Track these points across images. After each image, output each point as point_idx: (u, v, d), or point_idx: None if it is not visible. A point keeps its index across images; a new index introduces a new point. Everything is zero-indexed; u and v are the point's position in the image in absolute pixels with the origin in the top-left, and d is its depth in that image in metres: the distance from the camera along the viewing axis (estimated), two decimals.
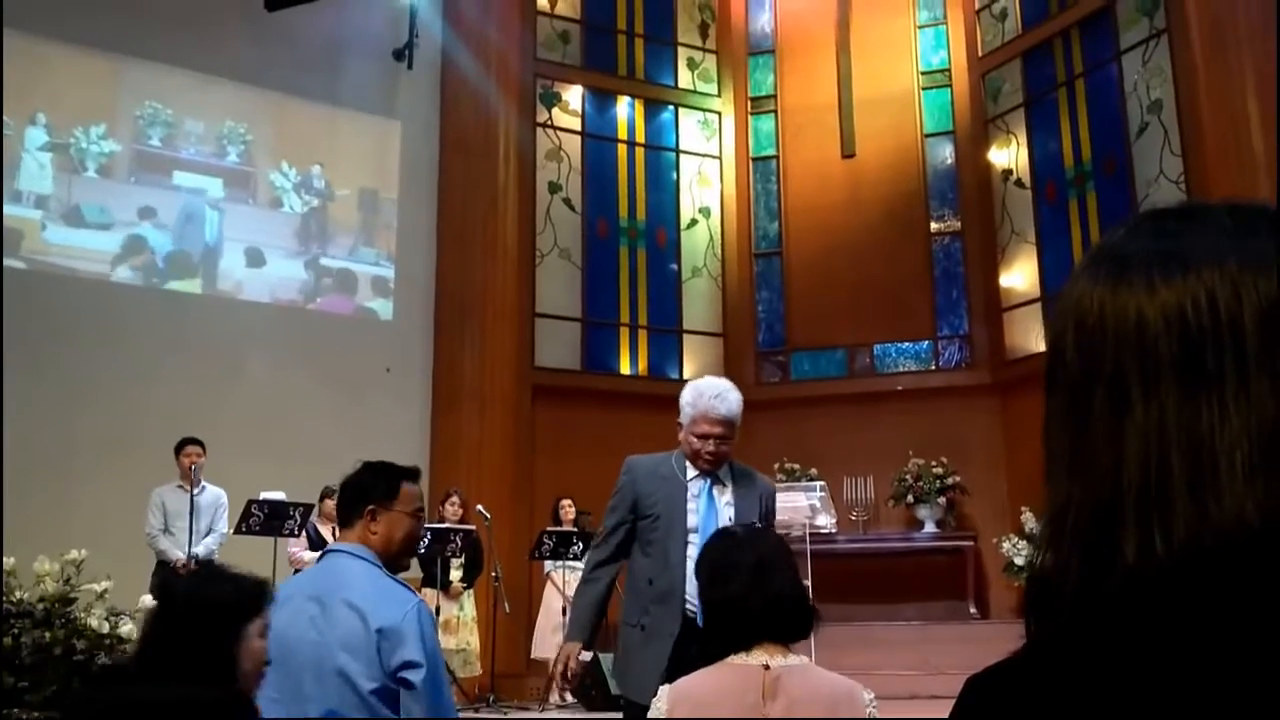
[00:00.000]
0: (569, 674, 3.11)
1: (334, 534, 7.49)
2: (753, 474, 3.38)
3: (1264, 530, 0.52)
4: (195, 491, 7.25)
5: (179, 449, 7.33)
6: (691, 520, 3.16)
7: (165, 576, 6.34)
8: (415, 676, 2.21)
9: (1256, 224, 0.57)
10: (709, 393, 3.24)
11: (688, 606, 3.04)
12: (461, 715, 2.28)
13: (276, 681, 2.25)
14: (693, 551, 3.10)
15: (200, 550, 7.13)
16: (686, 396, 3.28)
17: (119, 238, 9.27)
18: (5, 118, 8.82)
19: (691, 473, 3.25)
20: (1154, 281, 0.57)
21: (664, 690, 2.07)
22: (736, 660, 2.00)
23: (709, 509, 3.19)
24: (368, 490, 2.50)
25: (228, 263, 9.77)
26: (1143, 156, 9.84)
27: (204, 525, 7.21)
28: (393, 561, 2.49)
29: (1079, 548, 0.58)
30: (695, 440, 3.20)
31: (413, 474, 2.59)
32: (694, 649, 2.70)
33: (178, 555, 6.98)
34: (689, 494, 3.21)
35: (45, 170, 9.06)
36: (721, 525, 3.08)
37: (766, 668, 1.97)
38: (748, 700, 1.95)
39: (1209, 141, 8.87)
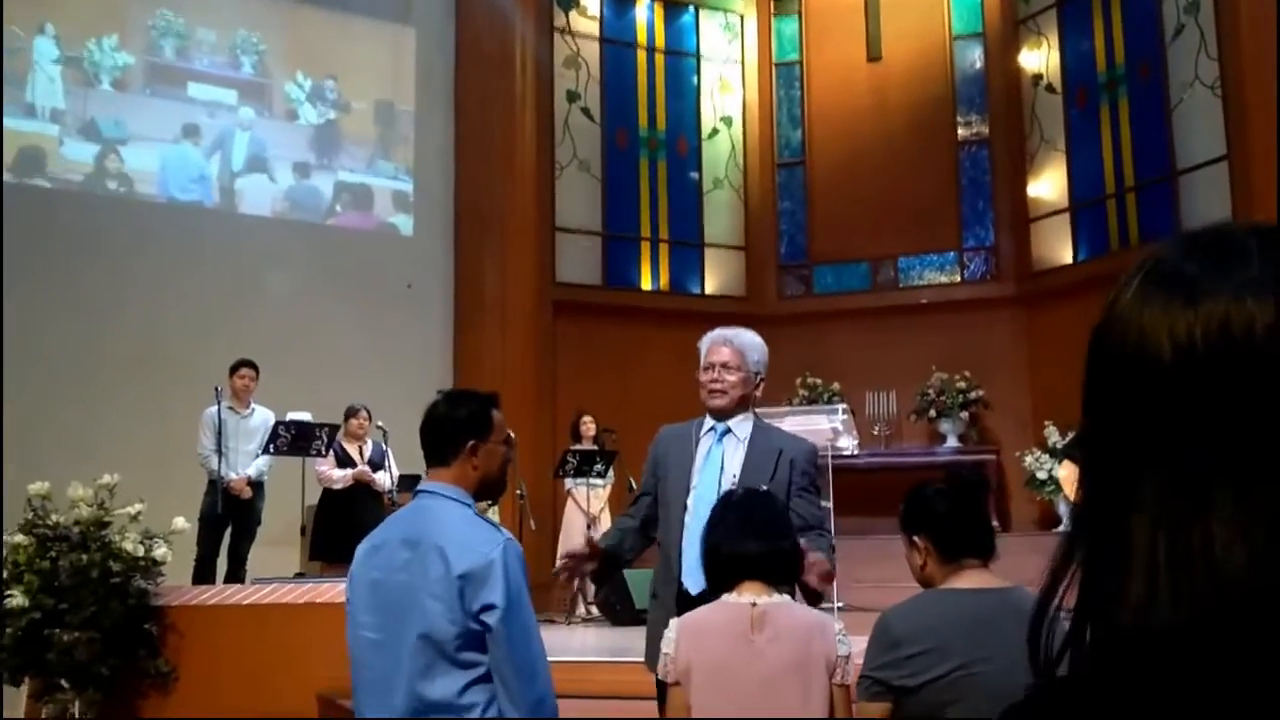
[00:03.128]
0: (574, 566, 3.13)
1: (360, 452, 7.56)
2: (775, 432, 3.24)
3: None
4: (244, 413, 7.30)
5: (233, 370, 7.36)
6: (693, 477, 3.11)
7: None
8: (492, 618, 2.22)
9: None
10: (711, 332, 3.23)
11: (684, 575, 3.02)
12: None
13: (375, 624, 2.34)
14: (691, 504, 3.06)
15: (252, 472, 7.21)
16: (700, 345, 3.26)
17: (136, 153, 9.17)
18: (14, 29, 8.68)
19: (706, 427, 3.20)
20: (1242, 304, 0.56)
21: (673, 622, 2.49)
22: (730, 599, 2.40)
23: (707, 463, 3.12)
24: (466, 425, 2.43)
25: (246, 179, 9.68)
26: (1178, 60, 9.55)
27: (253, 447, 7.27)
28: (489, 491, 2.52)
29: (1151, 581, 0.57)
30: (702, 375, 3.17)
31: (497, 401, 2.56)
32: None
33: (230, 475, 7.06)
34: (698, 451, 3.15)
35: (55, 84, 8.93)
36: (726, 479, 3.06)
37: (754, 605, 2.36)
38: (738, 630, 2.35)
39: (1246, 45, 8.57)
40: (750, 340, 3.19)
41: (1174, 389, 0.56)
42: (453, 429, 2.44)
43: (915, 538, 2.29)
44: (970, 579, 2.23)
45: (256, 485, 7.28)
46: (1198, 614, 0.54)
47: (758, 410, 3.28)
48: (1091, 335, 0.62)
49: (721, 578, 2.45)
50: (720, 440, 3.15)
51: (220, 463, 7.01)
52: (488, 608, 2.23)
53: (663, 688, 2.59)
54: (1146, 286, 0.59)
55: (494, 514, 8.07)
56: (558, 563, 3.14)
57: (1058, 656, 0.61)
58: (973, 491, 2.36)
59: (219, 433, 7.03)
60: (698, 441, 3.17)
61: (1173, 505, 0.56)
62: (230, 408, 7.24)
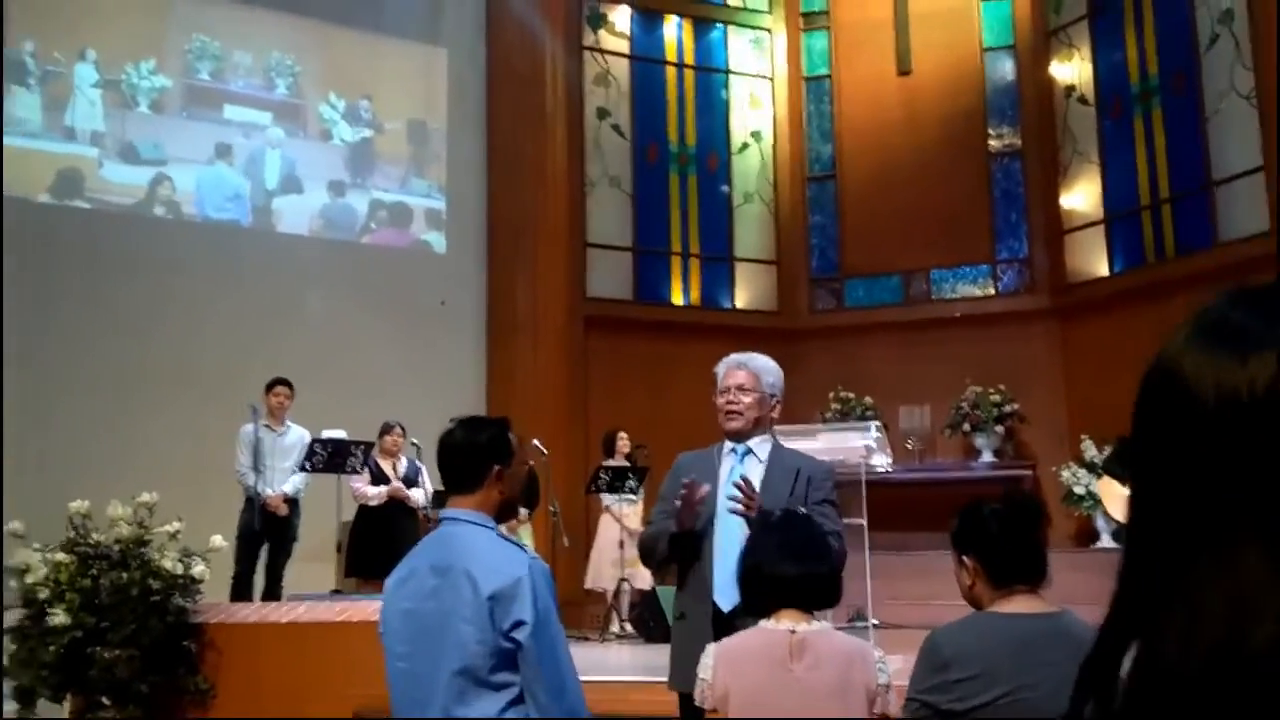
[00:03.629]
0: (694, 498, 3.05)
1: (394, 469, 7.61)
2: (793, 452, 3.30)
3: None
4: (280, 431, 7.38)
5: (269, 388, 7.44)
6: (719, 496, 3.12)
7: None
8: (522, 634, 2.25)
9: None
10: (728, 358, 3.30)
11: (716, 593, 3.03)
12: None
13: (409, 653, 2.38)
14: (719, 522, 3.08)
15: (289, 489, 7.28)
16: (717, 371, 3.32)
17: (172, 174, 9.31)
18: (56, 54, 8.85)
19: (727, 449, 3.23)
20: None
21: (710, 648, 2.46)
22: (767, 625, 2.38)
23: (730, 482, 3.13)
24: (489, 451, 2.47)
25: (282, 199, 9.80)
26: (1212, 70, 9.45)
27: (289, 464, 7.34)
28: (508, 511, 2.56)
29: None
30: (719, 399, 3.23)
31: (509, 424, 2.60)
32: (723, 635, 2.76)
33: (267, 492, 7.13)
34: (718, 473, 3.19)
35: (96, 107, 9.09)
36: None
37: (793, 632, 2.35)
38: (777, 656, 2.33)
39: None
40: (764, 364, 3.27)
41: (1218, 436, 0.57)
42: (476, 456, 2.47)
43: (965, 557, 2.25)
44: (1019, 603, 2.19)
45: (292, 502, 7.34)
46: (1246, 661, 0.55)
47: (792, 426, 3.32)
48: (1141, 381, 0.63)
49: (760, 599, 2.44)
50: (742, 460, 3.20)
51: (257, 480, 7.07)
52: (517, 624, 2.26)
53: (688, 708, 2.59)
54: (1195, 335, 0.61)
55: (528, 530, 8.09)
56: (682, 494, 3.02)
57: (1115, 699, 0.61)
58: (1028, 516, 2.30)
59: (255, 450, 7.10)
60: (720, 462, 3.21)
61: (1220, 552, 0.57)
62: (266, 425, 7.31)
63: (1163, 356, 0.62)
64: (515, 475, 2.53)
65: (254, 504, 7.02)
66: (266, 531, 7.11)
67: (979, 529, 2.24)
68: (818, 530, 2.59)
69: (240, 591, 6.95)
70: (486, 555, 2.35)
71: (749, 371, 3.22)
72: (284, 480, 7.29)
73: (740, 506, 2.96)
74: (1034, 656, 2.08)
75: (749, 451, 3.21)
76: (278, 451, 7.30)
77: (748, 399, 3.18)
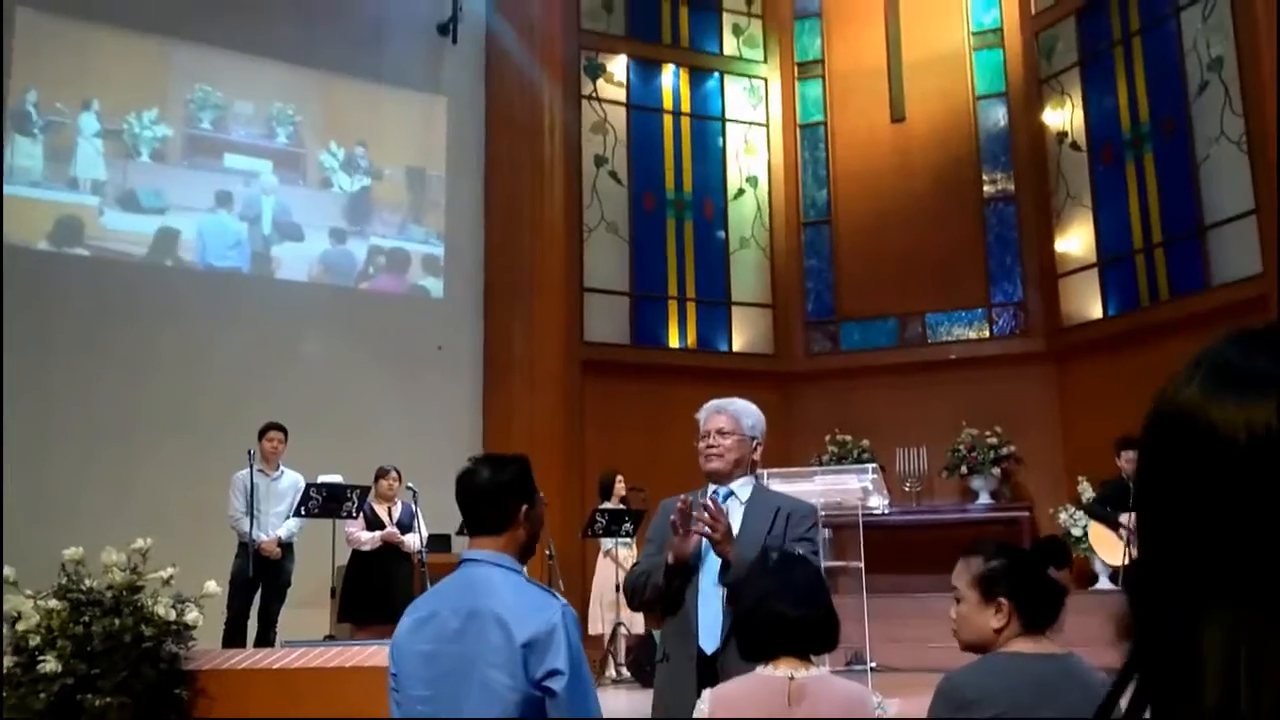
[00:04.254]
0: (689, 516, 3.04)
1: (389, 514, 7.60)
2: (774, 494, 3.35)
3: None
4: (274, 476, 7.38)
5: (262, 434, 7.47)
6: (704, 540, 3.12)
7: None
8: (558, 685, 2.21)
9: None
10: (710, 402, 3.34)
11: (700, 636, 3.02)
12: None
13: (430, 697, 2.32)
14: (704, 565, 3.09)
15: (283, 533, 7.29)
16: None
17: (173, 221, 9.39)
18: (59, 104, 8.97)
19: (710, 492, 3.25)
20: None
21: (706, 693, 2.39)
22: (765, 671, 2.32)
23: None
24: (515, 490, 2.40)
25: (282, 245, 9.88)
26: (1202, 116, 9.57)
27: (283, 509, 7.35)
28: (528, 552, 2.47)
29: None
30: (700, 443, 3.27)
31: (529, 461, 2.55)
32: (706, 678, 2.77)
33: (261, 537, 7.13)
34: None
35: (98, 156, 9.19)
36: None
37: (791, 678, 2.30)
38: (775, 703, 2.28)
39: (1271, 99, 8.57)
40: (744, 406, 3.30)
41: (1250, 476, 0.57)
42: (502, 496, 2.39)
43: (999, 599, 2.21)
44: (1032, 645, 2.20)
45: (286, 546, 7.33)
46: None
47: (788, 469, 3.35)
48: (1149, 428, 0.63)
49: (757, 644, 2.39)
50: (724, 501, 3.22)
51: (251, 525, 7.07)
52: (553, 674, 2.21)
53: None
54: (1210, 381, 0.61)
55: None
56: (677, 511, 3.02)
57: None
58: (1060, 561, 2.31)
59: (249, 495, 7.11)
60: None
61: (1250, 609, 0.57)
62: (260, 470, 7.32)
63: (1174, 402, 0.62)
64: (538, 514, 2.46)
65: (248, 549, 7.01)
66: (260, 576, 7.10)
67: (1023, 572, 2.23)
68: (814, 572, 2.58)
69: (233, 637, 6.93)
70: (516, 600, 2.29)
71: (729, 415, 3.25)
72: (278, 525, 7.29)
73: (707, 530, 2.97)
74: (1050, 698, 2.08)
75: (730, 493, 3.23)
76: (271, 496, 7.32)
77: (727, 441, 3.21)
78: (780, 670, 2.32)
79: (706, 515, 2.98)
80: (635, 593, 3.26)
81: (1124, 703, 0.63)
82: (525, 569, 2.46)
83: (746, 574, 2.53)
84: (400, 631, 2.43)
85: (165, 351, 8.83)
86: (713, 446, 3.22)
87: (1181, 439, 0.61)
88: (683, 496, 3.12)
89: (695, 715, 2.38)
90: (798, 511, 3.18)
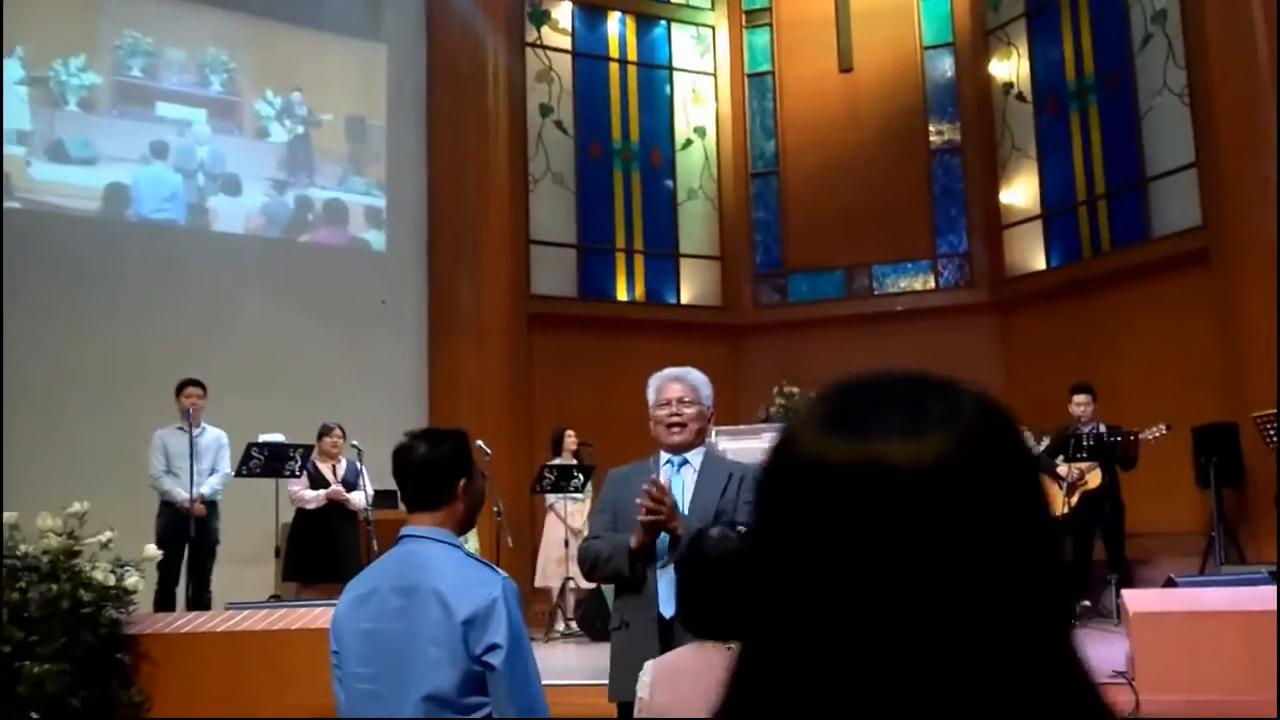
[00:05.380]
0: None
1: (334, 472, 7.50)
2: (727, 460, 3.34)
3: None
4: (195, 433, 7.23)
5: (179, 390, 7.30)
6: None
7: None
8: (496, 659, 2.23)
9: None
10: (661, 373, 3.31)
11: (660, 602, 3.03)
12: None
13: (371, 675, 2.32)
14: (662, 534, 3.08)
15: (205, 490, 7.16)
16: (648, 387, 3.30)
17: (105, 173, 9.10)
18: None
19: (664, 460, 3.24)
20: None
21: (648, 665, 2.41)
22: (706, 643, 2.32)
23: (678, 496, 3.15)
24: (453, 465, 2.41)
25: (217, 197, 9.61)
26: (1146, 69, 9.63)
27: (205, 466, 7.22)
28: (467, 524, 2.50)
29: None
30: (659, 411, 3.22)
31: (468, 434, 2.57)
32: (668, 643, 2.79)
33: (182, 496, 7.00)
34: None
35: (23, 105, 8.85)
36: (686, 507, 3.12)
37: (729, 649, 2.22)
38: (715, 674, 2.15)
39: (1213, 53, 8.65)
40: (700, 377, 3.29)
41: (843, 515, 0.63)
42: (440, 471, 2.41)
43: None
44: None
45: (211, 505, 7.19)
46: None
47: (736, 426, 3.35)
48: (772, 456, 0.69)
49: (693, 620, 2.41)
50: (679, 471, 3.22)
51: (174, 484, 6.97)
52: (492, 648, 2.24)
53: (624, 709, 2.58)
54: (822, 422, 0.66)
55: (473, 532, 8.03)
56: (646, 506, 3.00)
57: None
58: None
59: (168, 453, 7.04)
60: (658, 474, 3.21)
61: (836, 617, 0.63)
62: (180, 428, 7.19)
63: (795, 436, 0.67)
64: (477, 487, 2.47)
65: (171, 508, 6.91)
66: (185, 537, 6.95)
67: None
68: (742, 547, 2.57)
69: (165, 600, 6.82)
70: (455, 576, 2.30)
71: (687, 384, 3.23)
72: (201, 483, 7.15)
73: (651, 516, 2.96)
74: None
75: (685, 462, 3.22)
76: (199, 453, 7.16)
77: (690, 411, 3.19)
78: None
79: (648, 500, 2.96)
80: (593, 569, 3.22)
81: None
82: (466, 540, 2.46)
83: (681, 553, 2.53)
84: (340, 609, 2.44)
85: (100, 308, 8.57)
86: (677, 416, 3.19)
87: (796, 470, 0.66)
88: (651, 478, 3.07)
89: (638, 685, 2.41)
90: (749, 475, 3.17)
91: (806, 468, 0.65)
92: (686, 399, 3.20)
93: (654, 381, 3.28)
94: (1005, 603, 0.62)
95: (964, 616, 0.62)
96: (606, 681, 3.22)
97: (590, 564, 3.22)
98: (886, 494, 0.62)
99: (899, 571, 0.62)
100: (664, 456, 3.25)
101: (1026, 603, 0.63)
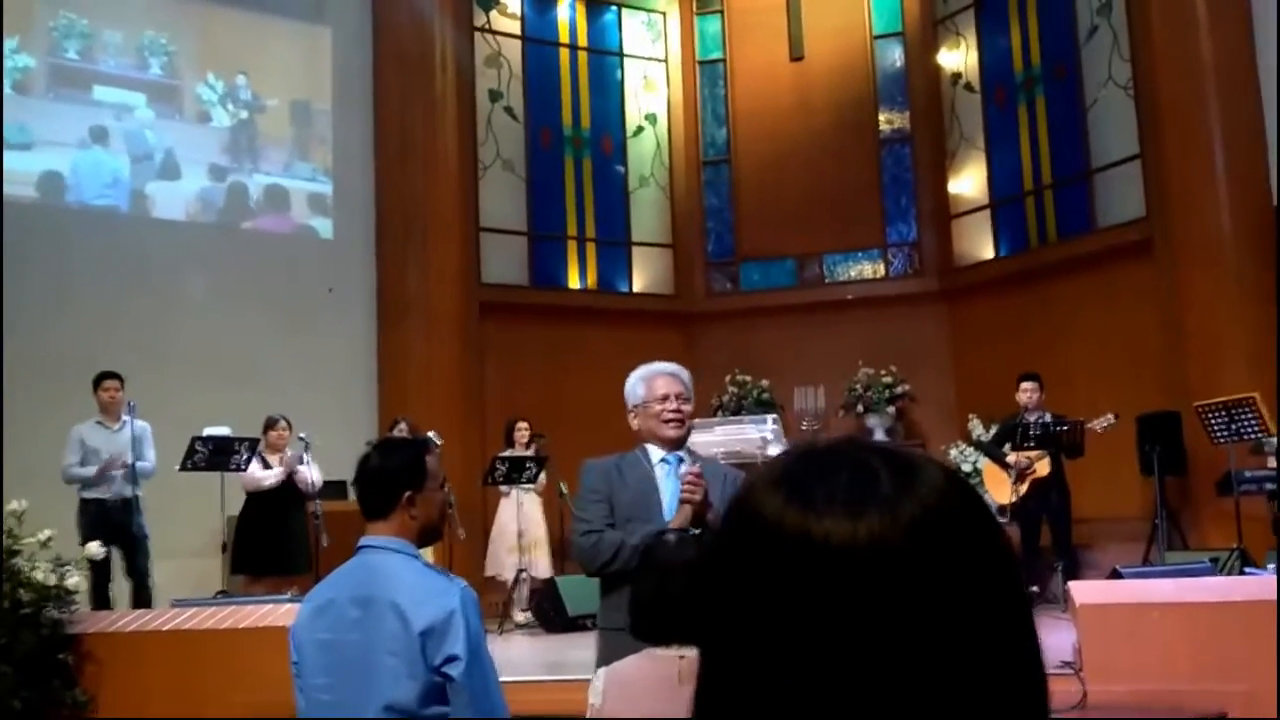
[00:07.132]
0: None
1: (281, 463, 7.38)
2: (716, 461, 3.38)
3: None
4: (115, 428, 7.04)
5: (96, 384, 7.11)
6: (663, 508, 3.09)
7: None
8: (455, 670, 2.23)
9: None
10: (653, 366, 3.27)
11: None
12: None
13: (329, 685, 2.32)
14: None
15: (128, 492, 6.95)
16: (631, 381, 3.25)
17: (44, 158, 8.84)
18: None
19: (657, 456, 3.20)
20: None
21: (601, 672, 2.41)
22: (658, 651, 2.34)
23: (675, 493, 3.11)
24: (400, 476, 2.41)
25: (157, 183, 9.39)
26: (1092, 61, 9.75)
27: (130, 461, 6.99)
28: (429, 537, 2.50)
29: None
30: (657, 405, 3.17)
31: (429, 446, 2.57)
32: None
33: (91, 472, 6.83)
34: (657, 482, 3.15)
35: None
36: (673, 509, 3.10)
37: (681, 657, 2.31)
38: (667, 683, 2.29)
39: (1157, 46, 8.77)
40: (689, 374, 3.30)
41: (783, 579, 0.64)
42: (387, 481, 2.42)
43: None
44: None
45: (131, 500, 6.98)
46: None
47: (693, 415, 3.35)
48: (733, 505, 0.70)
49: (643, 627, 2.40)
50: (676, 467, 3.18)
51: (82, 471, 6.84)
52: (450, 659, 2.23)
53: None
54: (775, 484, 0.67)
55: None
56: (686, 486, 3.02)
57: None
58: None
59: (84, 448, 6.90)
60: (653, 469, 3.19)
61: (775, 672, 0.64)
62: (99, 422, 7.02)
63: (755, 499, 0.68)
64: (430, 500, 2.45)
65: (88, 505, 6.74)
66: (110, 532, 6.76)
67: None
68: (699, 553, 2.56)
69: (100, 598, 6.65)
70: (412, 586, 2.30)
71: (684, 381, 3.24)
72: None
73: (694, 496, 2.98)
74: None
75: (681, 459, 3.20)
76: (114, 449, 6.98)
77: (688, 408, 3.21)
78: (671, 649, 2.34)
79: (687, 486, 2.98)
80: (605, 563, 3.04)
81: None
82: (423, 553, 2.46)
83: (639, 559, 2.52)
84: (299, 620, 2.43)
85: (39, 296, 8.33)
86: (677, 413, 3.18)
87: (755, 534, 0.67)
88: (694, 469, 3.08)
89: (590, 691, 2.41)
90: (731, 478, 3.22)
91: (756, 523, 0.67)
92: (684, 395, 3.21)
93: (643, 375, 3.24)
94: (955, 688, 0.62)
95: (906, 698, 0.62)
96: (569, 677, 3.19)
97: (612, 553, 3.02)
98: (822, 567, 0.63)
99: (836, 642, 0.63)
100: (656, 454, 3.20)
101: (982, 691, 0.63)
